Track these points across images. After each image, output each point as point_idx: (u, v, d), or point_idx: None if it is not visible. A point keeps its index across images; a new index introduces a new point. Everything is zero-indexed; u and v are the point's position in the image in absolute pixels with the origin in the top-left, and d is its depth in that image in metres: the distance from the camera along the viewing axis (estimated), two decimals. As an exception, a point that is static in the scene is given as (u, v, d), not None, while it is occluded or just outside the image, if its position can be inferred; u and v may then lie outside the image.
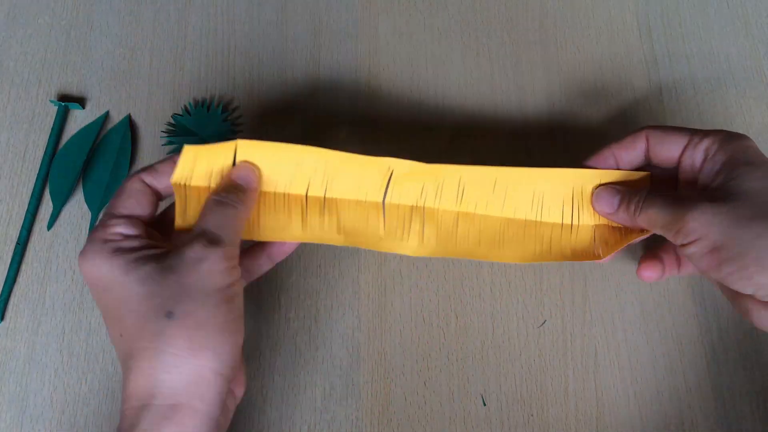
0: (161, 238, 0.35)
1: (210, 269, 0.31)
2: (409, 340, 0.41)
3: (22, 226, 0.43)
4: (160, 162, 0.35)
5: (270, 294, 0.42)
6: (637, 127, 0.38)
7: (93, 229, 0.34)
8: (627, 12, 0.50)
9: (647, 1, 0.50)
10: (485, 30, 0.49)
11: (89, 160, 0.45)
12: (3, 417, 0.40)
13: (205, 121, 0.46)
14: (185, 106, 0.47)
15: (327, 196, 0.37)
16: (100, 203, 0.44)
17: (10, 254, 0.43)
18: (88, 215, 0.44)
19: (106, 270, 0.31)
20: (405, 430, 0.39)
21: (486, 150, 0.45)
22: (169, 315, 0.30)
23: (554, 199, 0.39)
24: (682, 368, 0.40)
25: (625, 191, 0.37)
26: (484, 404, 0.40)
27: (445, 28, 0.49)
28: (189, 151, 0.35)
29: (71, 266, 0.43)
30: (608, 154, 0.38)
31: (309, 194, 0.37)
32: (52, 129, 0.46)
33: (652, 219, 0.35)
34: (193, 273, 0.31)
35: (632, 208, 0.36)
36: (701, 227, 0.32)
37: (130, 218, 0.33)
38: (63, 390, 0.40)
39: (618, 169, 0.38)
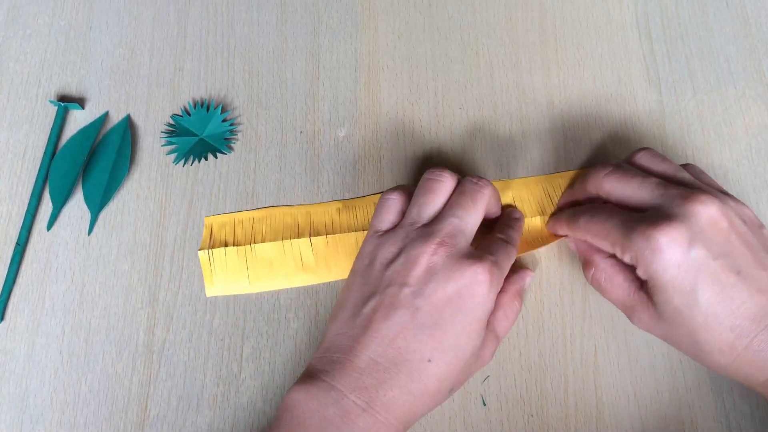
0: None
1: (478, 367, 0.38)
2: (408, 340, 0.41)
3: (22, 227, 0.43)
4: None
5: (270, 294, 0.42)
6: (572, 217, 0.39)
7: (498, 269, 0.36)
8: (627, 12, 0.50)
9: (647, 1, 0.50)
10: (485, 31, 0.49)
11: (89, 161, 0.45)
12: (3, 417, 0.40)
13: (205, 121, 0.46)
14: (185, 106, 0.47)
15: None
16: (100, 203, 0.44)
17: (10, 254, 0.43)
18: (88, 215, 0.44)
19: (482, 320, 0.35)
20: (405, 430, 0.39)
21: (486, 149, 0.45)
22: (450, 392, 0.36)
23: (531, 200, 0.43)
24: (682, 368, 0.40)
25: (584, 252, 0.40)
26: (484, 404, 0.40)
27: (445, 28, 0.49)
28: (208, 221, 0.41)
29: (71, 266, 0.43)
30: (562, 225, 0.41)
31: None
32: (52, 129, 0.46)
33: (609, 298, 0.39)
34: (476, 369, 0.38)
35: (588, 276, 0.39)
36: (645, 330, 0.37)
37: (503, 277, 0.37)
38: (63, 390, 0.40)
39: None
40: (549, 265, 0.43)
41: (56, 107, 0.46)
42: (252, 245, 0.42)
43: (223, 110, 0.47)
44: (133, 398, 0.40)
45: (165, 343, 0.41)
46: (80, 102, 0.47)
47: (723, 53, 0.48)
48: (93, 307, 0.42)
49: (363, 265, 0.37)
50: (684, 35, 0.49)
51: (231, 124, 0.46)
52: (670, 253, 0.33)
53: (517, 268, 0.41)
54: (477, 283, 0.34)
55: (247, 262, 0.41)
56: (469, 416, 0.40)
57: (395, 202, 0.39)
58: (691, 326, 0.34)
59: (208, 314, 0.42)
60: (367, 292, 0.36)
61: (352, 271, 0.38)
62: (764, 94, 0.47)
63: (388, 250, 0.36)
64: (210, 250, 0.41)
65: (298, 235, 0.42)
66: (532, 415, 0.40)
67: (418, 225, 0.37)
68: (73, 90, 0.47)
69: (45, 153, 0.45)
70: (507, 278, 0.39)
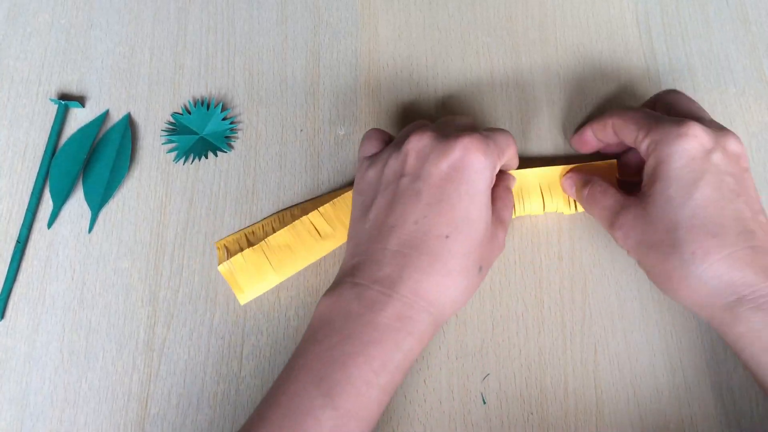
0: None
1: (497, 255, 0.38)
2: (408, 338, 0.41)
3: (23, 225, 0.43)
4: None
5: (270, 292, 0.42)
6: (607, 112, 0.41)
7: (496, 136, 0.37)
8: (627, 11, 0.50)
9: (647, 1, 0.50)
10: (485, 29, 0.49)
11: (89, 159, 0.45)
12: (3, 416, 0.40)
13: (205, 119, 0.46)
14: (185, 104, 0.47)
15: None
16: (100, 202, 0.44)
17: (10, 252, 0.43)
18: (88, 214, 0.44)
19: (484, 188, 0.35)
20: (404, 428, 0.39)
21: (486, 149, 0.45)
22: (480, 270, 0.36)
23: (532, 193, 0.43)
24: (681, 367, 0.40)
25: (578, 182, 0.41)
26: (484, 402, 0.40)
27: (445, 27, 0.49)
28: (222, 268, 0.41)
29: (71, 264, 0.43)
30: (588, 132, 0.43)
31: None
32: (52, 127, 0.46)
33: (594, 216, 0.41)
34: (495, 254, 0.38)
35: (582, 198, 0.41)
36: (622, 245, 0.38)
37: (502, 153, 0.38)
38: (63, 388, 0.40)
39: (599, 143, 0.43)
40: (549, 265, 0.43)
41: (57, 105, 0.46)
42: (266, 240, 0.41)
43: (224, 108, 0.47)
44: (134, 396, 0.40)
45: (165, 341, 0.41)
46: (81, 100, 0.47)
47: (723, 52, 0.48)
48: (93, 305, 0.42)
49: (359, 185, 0.38)
50: (684, 34, 0.49)
51: (231, 123, 0.46)
52: (694, 143, 0.35)
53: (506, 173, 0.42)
54: (470, 152, 0.35)
55: (266, 256, 0.41)
56: (469, 414, 0.40)
57: (377, 131, 0.40)
58: (676, 218, 0.34)
59: (208, 312, 0.42)
60: (369, 200, 0.37)
61: (353, 196, 0.39)
62: (764, 93, 0.47)
63: (379, 164, 0.37)
64: (229, 261, 0.41)
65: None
66: (531, 414, 0.40)
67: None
68: (73, 88, 0.47)
69: (45, 151, 0.45)
70: (500, 176, 0.40)
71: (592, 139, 0.43)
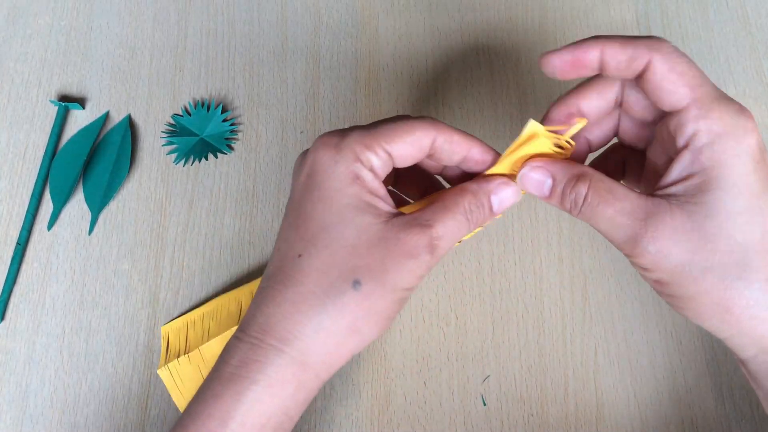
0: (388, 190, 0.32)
1: (412, 269, 0.29)
2: (409, 340, 0.41)
3: (23, 226, 0.43)
4: (459, 135, 0.31)
5: (270, 294, 0.42)
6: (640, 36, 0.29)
7: (358, 129, 0.30)
8: (627, 12, 0.50)
9: (647, 1, 0.50)
10: (485, 30, 0.49)
11: (89, 161, 0.45)
12: (3, 417, 0.40)
13: (205, 121, 0.46)
14: (185, 106, 0.47)
15: None
16: (100, 203, 0.44)
17: (11, 254, 0.43)
18: (88, 215, 0.44)
19: (339, 186, 0.29)
20: (405, 430, 0.39)
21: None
22: (356, 285, 0.28)
23: None
24: (682, 368, 0.40)
25: (560, 176, 0.30)
26: (484, 404, 0.40)
27: (445, 28, 0.49)
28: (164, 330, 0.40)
29: (71, 266, 0.43)
30: (594, 52, 0.29)
31: None
32: (53, 129, 0.46)
33: (598, 228, 0.30)
34: (398, 262, 0.28)
35: (568, 204, 0.30)
36: (651, 264, 0.28)
37: (389, 159, 0.30)
38: (63, 390, 0.40)
39: (582, 115, 0.31)
40: (549, 267, 0.43)
41: (57, 107, 0.46)
42: (200, 348, 0.39)
43: (224, 110, 0.47)
44: (134, 398, 0.40)
45: (165, 342, 0.41)
46: (81, 102, 0.47)
47: (723, 53, 0.48)
48: (93, 306, 0.42)
49: None
50: (684, 35, 0.49)
51: (231, 124, 0.46)
52: (756, 140, 0.27)
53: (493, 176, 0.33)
54: (317, 151, 0.30)
55: (200, 367, 0.39)
56: (469, 416, 0.40)
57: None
58: (744, 238, 0.27)
59: (208, 314, 0.42)
60: None
61: None
62: (764, 95, 0.47)
63: None
64: (167, 366, 0.39)
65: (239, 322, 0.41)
66: (532, 415, 0.40)
67: None
68: (73, 90, 0.47)
69: (45, 153, 0.45)
70: (474, 178, 0.33)
71: (595, 61, 0.29)
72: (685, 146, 0.28)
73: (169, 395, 0.40)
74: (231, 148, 0.46)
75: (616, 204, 0.29)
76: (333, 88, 0.47)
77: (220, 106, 0.46)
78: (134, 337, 0.41)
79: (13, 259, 0.43)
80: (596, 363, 0.41)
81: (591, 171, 0.30)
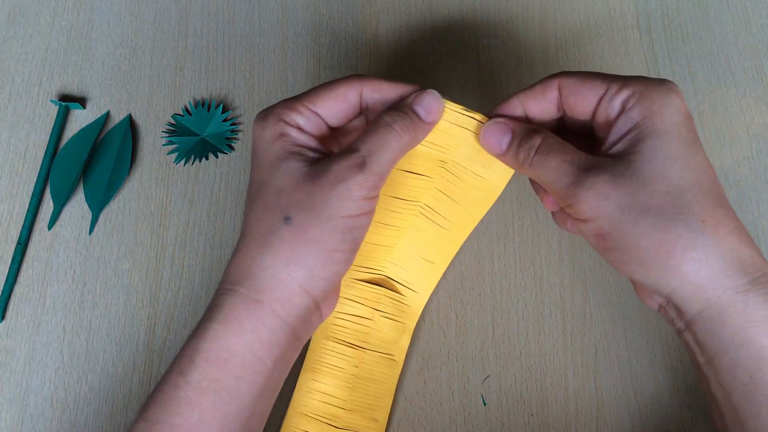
0: (333, 141, 0.35)
1: (344, 193, 0.30)
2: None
3: (23, 226, 0.43)
4: (386, 82, 0.34)
5: (270, 294, 0.42)
6: (550, 74, 0.34)
7: (286, 100, 0.33)
8: (627, 12, 0.50)
9: (647, 1, 0.50)
10: (485, 30, 0.49)
11: (90, 160, 0.45)
12: (3, 417, 0.40)
13: (205, 121, 0.46)
14: (185, 106, 0.47)
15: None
16: (101, 203, 0.44)
17: (11, 254, 0.43)
18: (89, 215, 0.44)
19: (266, 147, 0.32)
20: (405, 430, 0.39)
21: (486, 150, 0.45)
22: (287, 220, 0.30)
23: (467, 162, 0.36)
24: (682, 368, 0.40)
25: (519, 131, 0.33)
26: (485, 404, 0.40)
27: (445, 28, 0.49)
28: None
29: (72, 266, 0.43)
30: (516, 103, 0.34)
31: None
32: (53, 129, 0.46)
33: (542, 179, 0.32)
34: (327, 190, 0.30)
35: (522, 155, 0.32)
36: (590, 210, 0.30)
37: (317, 117, 0.33)
38: (63, 390, 0.40)
39: (528, 121, 0.34)
40: (549, 265, 0.43)
41: (57, 107, 0.46)
42: None
43: (224, 110, 0.47)
44: (134, 397, 0.40)
45: (166, 342, 0.41)
46: (81, 102, 0.47)
47: (724, 53, 0.48)
48: (94, 306, 0.42)
49: None
50: (685, 35, 0.49)
51: (232, 124, 0.46)
52: (681, 101, 0.30)
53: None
54: (253, 126, 0.33)
55: None
56: (469, 416, 0.40)
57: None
58: (680, 181, 0.29)
59: (208, 314, 0.42)
60: None
61: None
62: (765, 95, 0.47)
63: None
64: None
65: None
66: (532, 415, 0.40)
67: None
68: (74, 90, 0.47)
69: (46, 152, 0.45)
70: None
71: (519, 112, 0.34)
72: (619, 113, 0.31)
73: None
74: (231, 148, 0.46)
75: (564, 155, 0.31)
76: (333, 88, 0.47)
77: (221, 105, 0.47)
78: (134, 337, 0.41)
79: (13, 258, 0.43)
80: (596, 363, 0.41)
81: (546, 130, 0.33)
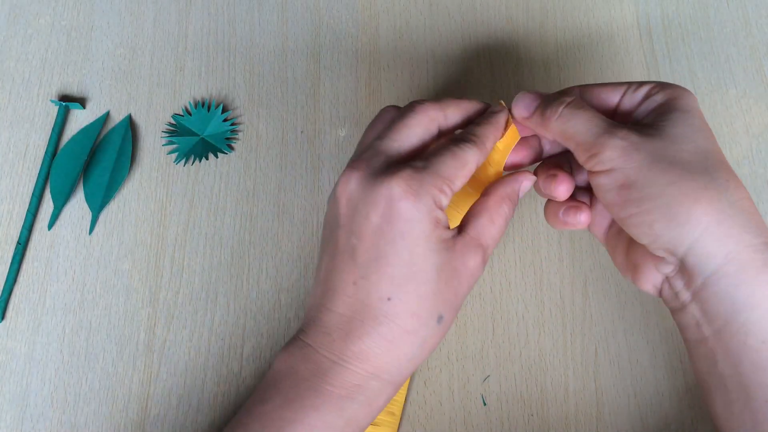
0: None
1: (472, 284, 0.33)
2: (409, 340, 0.41)
3: (23, 226, 0.43)
4: (448, 103, 0.35)
5: (271, 294, 0.42)
6: (565, 88, 0.35)
7: (434, 176, 0.31)
8: (627, 12, 0.50)
9: (647, 1, 0.50)
10: (486, 30, 0.49)
11: (90, 160, 0.45)
12: (3, 417, 0.40)
13: (206, 121, 0.46)
14: (185, 106, 0.47)
15: None
16: (101, 203, 0.44)
17: (11, 254, 0.43)
18: (89, 215, 0.44)
19: (423, 234, 0.30)
20: (405, 430, 0.39)
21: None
22: (440, 320, 0.31)
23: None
24: (682, 368, 0.40)
25: (547, 96, 0.34)
26: (485, 404, 0.40)
27: (446, 29, 0.49)
28: None
29: (72, 266, 0.43)
30: (535, 96, 0.36)
31: None
32: (53, 129, 0.46)
33: (569, 131, 0.32)
34: (467, 286, 0.32)
35: (549, 111, 0.33)
36: (618, 158, 0.30)
37: (448, 182, 0.31)
38: (63, 390, 0.40)
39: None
40: (549, 265, 0.43)
41: (57, 107, 0.46)
42: None
43: (224, 110, 0.47)
44: (134, 397, 0.40)
45: (165, 342, 0.41)
46: (81, 102, 0.47)
47: (724, 53, 0.48)
48: (94, 306, 0.42)
49: (325, 215, 0.35)
50: (685, 35, 0.49)
51: (232, 124, 0.46)
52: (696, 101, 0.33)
53: (516, 173, 0.36)
54: (396, 201, 0.30)
55: None
56: (469, 416, 0.40)
57: (390, 111, 0.36)
58: (705, 146, 0.31)
59: (209, 313, 0.42)
60: (323, 245, 0.34)
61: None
62: (765, 95, 0.47)
63: (331, 200, 0.34)
64: None
65: None
66: (532, 415, 0.40)
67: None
68: (74, 90, 0.47)
69: (46, 152, 0.45)
70: (499, 181, 0.35)
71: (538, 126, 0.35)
72: (643, 100, 0.33)
73: (169, 395, 0.40)
74: (231, 148, 0.46)
75: (594, 112, 0.32)
76: (333, 87, 0.47)
77: (221, 105, 0.47)
78: (134, 336, 0.41)
79: (13, 258, 0.43)
80: (596, 363, 0.41)
81: (563, 97, 0.34)
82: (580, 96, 0.34)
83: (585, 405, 0.40)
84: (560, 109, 0.33)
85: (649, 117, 0.32)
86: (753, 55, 0.48)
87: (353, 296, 0.31)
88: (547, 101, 0.34)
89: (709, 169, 0.30)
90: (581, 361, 0.41)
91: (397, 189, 0.30)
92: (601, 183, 0.32)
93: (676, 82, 0.47)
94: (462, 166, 0.32)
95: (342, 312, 0.31)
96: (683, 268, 0.31)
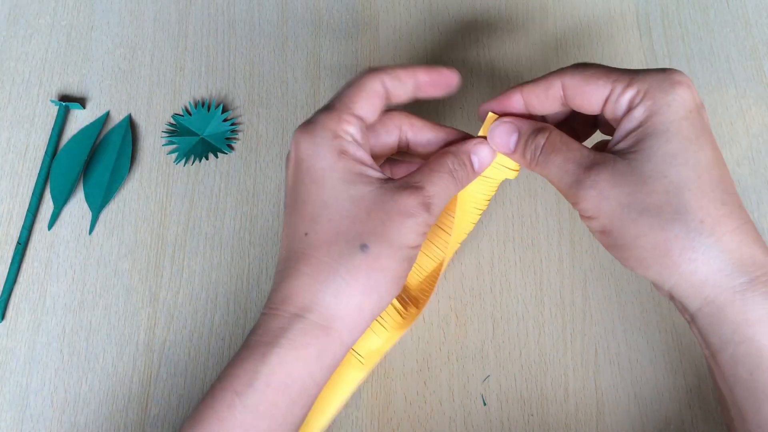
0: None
1: (413, 227, 0.31)
2: (409, 340, 0.41)
3: (23, 226, 0.43)
4: (401, 68, 0.34)
5: (270, 294, 0.42)
6: (553, 70, 0.33)
7: (323, 111, 0.32)
8: (627, 12, 0.50)
9: (647, 1, 0.50)
10: (485, 30, 0.49)
11: (90, 160, 0.45)
12: (3, 417, 0.40)
13: (205, 121, 0.46)
14: (185, 106, 0.47)
15: None
16: (101, 203, 0.44)
17: (11, 254, 0.43)
18: (89, 215, 0.44)
19: (326, 165, 0.31)
20: (405, 430, 0.39)
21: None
22: (363, 248, 0.30)
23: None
24: (682, 368, 0.40)
25: (525, 129, 0.33)
26: (484, 404, 0.40)
27: (445, 28, 0.49)
28: None
29: (72, 266, 0.43)
30: (517, 97, 0.34)
31: None
32: (53, 129, 0.46)
33: (548, 177, 0.33)
34: (399, 222, 0.31)
35: (529, 155, 0.33)
36: (591, 209, 0.31)
37: (361, 121, 0.32)
38: (63, 390, 0.40)
39: (527, 115, 0.34)
40: (549, 267, 0.43)
41: (57, 107, 0.46)
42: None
43: (224, 110, 0.47)
44: (134, 398, 0.40)
45: (165, 342, 0.41)
46: (81, 102, 0.47)
47: (723, 53, 0.48)
48: (94, 306, 0.42)
49: None
50: (684, 35, 0.49)
51: (232, 124, 0.46)
52: (690, 93, 0.30)
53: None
54: (297, 145, 0.32)
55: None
56: (469, 416, 0.40)
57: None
58: (679, 179, 0.29)
59: (208, 313, 0.42)
60: None
61: None
62: (765, 95, 0.47)
63: None
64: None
65: None
66: (532, 415, 0.40)
67: None
68: (74, 90, 0.47)
69: (46, 152, 0.45)
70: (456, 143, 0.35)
71: (519, 105, 0.34)
72: (626, 112, 0.31)
73: (169, 395, 0.40)
74: (231, 148, 0.46)
75: (567, 153, 0.32)
76: (333, 87, 0.47)
77: (221, 105, 0.47)
78: (134, 336, 0.41)
79: (13, 258, 0.43)
80: (596, 363, 0.41)
81: (551, 127, 0.33)
82: (555, 126, 0.34)
83: (585, 405, 0.40)
84: (537, 155, 0.33)
85: (627, 141, 0.31)
86: (753, 55, 0.48)
87: (286, 246, 0.32)
88: (525, 139, 0.33)
89: (681, 210, 0.29)
90: (581, 361, 0.41)
91: (297, 134, 0.32)
92: (588, 225, 0.32)
93: (676, 82, 0.47)
94: (359, 90, 0.33)
95: (279, 268, 0.32)
96: (674, 299, 0.32)
